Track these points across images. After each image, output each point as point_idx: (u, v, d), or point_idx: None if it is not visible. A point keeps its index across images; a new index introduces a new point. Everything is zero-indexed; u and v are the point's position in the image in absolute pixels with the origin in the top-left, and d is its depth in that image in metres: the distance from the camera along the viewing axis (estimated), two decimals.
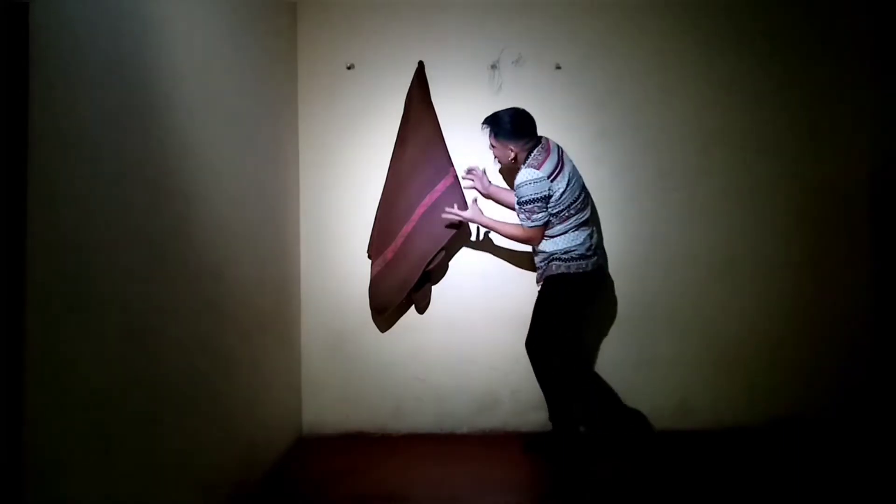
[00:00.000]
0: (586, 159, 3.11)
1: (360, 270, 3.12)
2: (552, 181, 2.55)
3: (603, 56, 3.14)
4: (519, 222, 2.70)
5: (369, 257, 3.10)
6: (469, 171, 2.97)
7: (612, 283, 3.14)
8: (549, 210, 2.61)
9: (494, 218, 2.82)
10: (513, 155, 2.65)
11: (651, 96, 3.14)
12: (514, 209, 2.78)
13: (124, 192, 1.58)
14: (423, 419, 3.15)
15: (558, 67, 3.13)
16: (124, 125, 1.58)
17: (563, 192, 2.57)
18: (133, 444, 1.60)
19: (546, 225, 2.65)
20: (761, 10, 3.14)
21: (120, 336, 1.54)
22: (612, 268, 3.14)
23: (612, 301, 3.14)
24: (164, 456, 1.76)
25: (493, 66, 3.14)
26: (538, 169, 2.55)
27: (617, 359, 3.14)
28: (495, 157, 2.77)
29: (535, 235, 2.67)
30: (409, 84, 3.06)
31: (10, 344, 1.21)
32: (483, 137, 3.05)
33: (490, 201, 3.04)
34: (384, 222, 3.01)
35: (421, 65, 3.07)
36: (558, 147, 2.69)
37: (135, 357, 1.61)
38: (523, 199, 2.59)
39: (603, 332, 3.15)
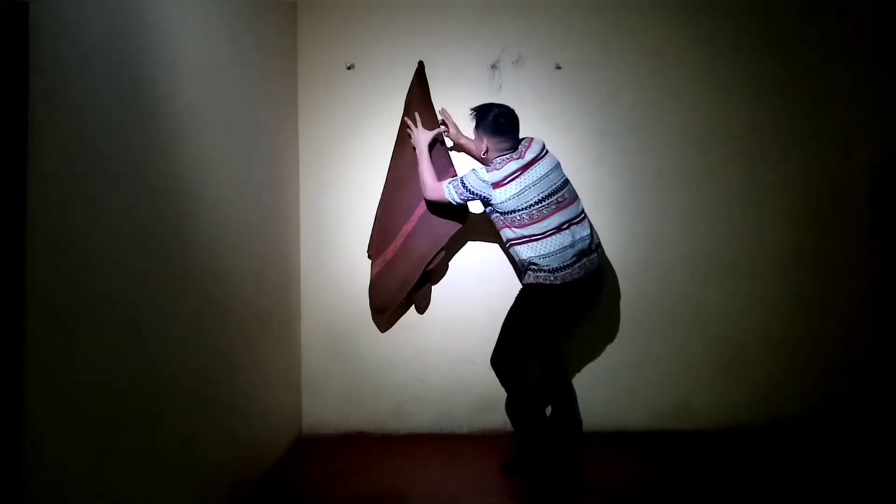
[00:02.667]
0: (586, 159, 3.12)
1: (360, 270, 3.12)
2: (497, 188, 2.49)
3: (603, 56, 3.14)
4: (441, 180, 2.75)
5: (369, 257, 3.10)
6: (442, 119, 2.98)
7: (611, 283, 3.14)
8: (490, 206, 2.58)
9: (427, 158, 2.78)
10: (485, 149, 2.60)
11: (651, 96, 3.14)
12: (478, 160, 2.80)
13: (124, 192, 1.58)
14: (423, 419, 3.15)
15: (558, 67, 3.13)
16: (124, 125, 1.58)
17: (508, 200, 2.49)
18: (133, 444, 1.60)
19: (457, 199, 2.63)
20: (761, 9, 3.14)
21: (120, 336, 1.54)
22: (613, 267, 3.14)
23: (612, 301, 3.15)
24: (164, 456, 1.76)
25: (493, 66, 3.14)
26: (488, 173, 2.52)
27: (617, 359, 3.14)
28: (472, 141, 2.73)
29: (441, 197, 2.67)
30: (409, 84, 3.06)
31: (10, 344, 1.21)
32: None
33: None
34: (384, 222, 3.01)
35: (421, 65, 3.07)
36: (538, 155, 2.55)
37: (135, 357, 1.61)
38: (463, 179, 2.57)
39: (603, 333, 3.15)
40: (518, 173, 2.49)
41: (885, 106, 3.05)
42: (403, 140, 3.01)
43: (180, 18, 1.90)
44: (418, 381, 3.15)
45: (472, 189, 2.56)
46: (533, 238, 2.51)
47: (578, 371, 3.14)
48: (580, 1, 3.14)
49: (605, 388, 3.13)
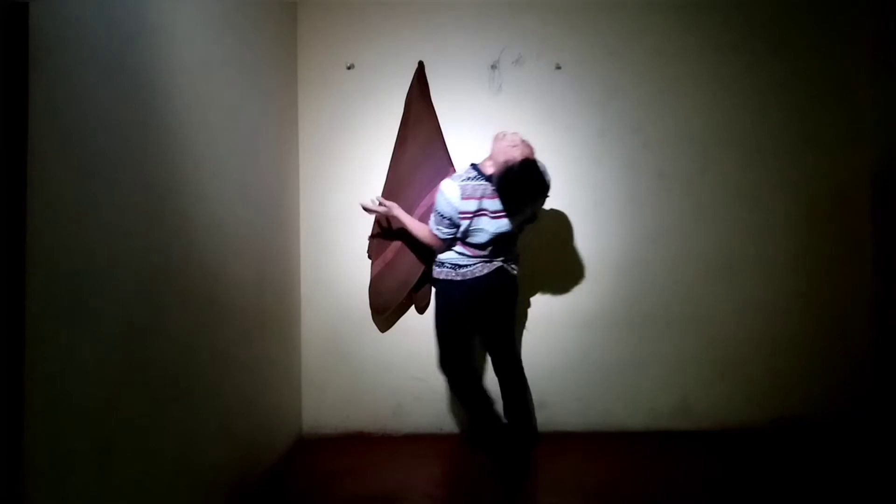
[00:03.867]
0: (586, 159, 3.12)
1: (360, 270, 3.12)
2: (460, 213, 2.51)
3: (603, 56, 3.14)
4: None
5: (369, 257, 3.10)
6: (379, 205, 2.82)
7: (612, 283, 3.14)
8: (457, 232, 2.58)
9: (409, 220, 2.75)
10: (491, 173, 2.54)
11: (651, 96, 3.14)
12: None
13: (124, 192, 1.58)
14: (423, 419, 3.15)
15: (558, 67, 3.13)
16: (124, 125, 1.58)
17: (464, 229, 2.54)
18: (133, 444, 1.60)
19: (446, 242, 2.62)
20: (761, 9, 3.13)
21: (120, 336, 1.54)
22: (613, 267, 3.14)
23: (612, 301, 3.15)
24: (164, 456, 1.76)
25: (493, 66, 3.14)
26: (454, 195, 2.50)
27: (617, 359, 3.14)
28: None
29: (437, 244, 2.64)
30: (409, 84, 3.06)
31: (10, 344, 1.21)
32: (483, 140, 3.09)
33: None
34: (384, 222, 3.01)
35: (421, 65, 3.07)
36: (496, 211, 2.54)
37: (134, 357, 1.61)
38: (436, 208, 2.58)
39: (603, 332, 3.15)
40: (474, 214, 2.52)
41: (885, 106, 3.05)
42: (404, 140, 3.01)
43: (180, 18, 1.90)
44: (418, 381, 3.15)
45: (443, 213, 2.54)
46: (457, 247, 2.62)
47: (578, 371, 3.14)
48: (580, 1, 3.14)
49: (605, 388, 3.13)
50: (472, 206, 2.51)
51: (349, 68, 3.15)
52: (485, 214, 2.53)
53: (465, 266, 2.61)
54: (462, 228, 2.55)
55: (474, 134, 3.11)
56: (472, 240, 2.57)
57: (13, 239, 1.21)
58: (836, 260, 3.14)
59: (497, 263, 2.63)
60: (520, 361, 2.84)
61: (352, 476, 2.63)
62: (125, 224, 1.58)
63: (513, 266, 2.71)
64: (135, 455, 1.61)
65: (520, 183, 2.45)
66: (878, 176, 3.09)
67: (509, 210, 2.53)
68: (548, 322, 3.14)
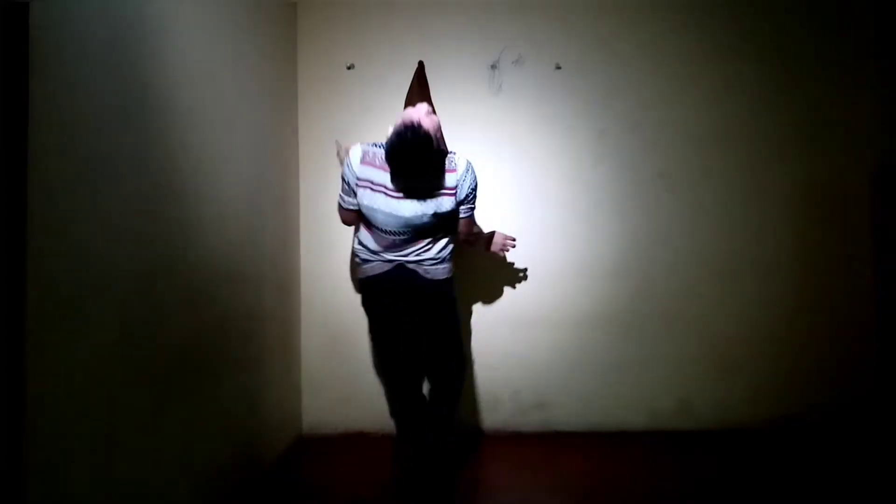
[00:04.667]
0: (586, 159, 3.12)
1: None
2: (358, 179, 2.34)
3: (603, 56, 3.14)
4: None
5: None
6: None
7: (612, 283, 3.14)
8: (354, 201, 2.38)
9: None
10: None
11: (651, 96, 3.14)
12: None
13: (124, 192, 1.58)
14: None
15: (558, 67, 3.13)
16: (124, 125, 1.59)
17: (363, 205, 2.37)
18: (133, 443, 1.60)
19: (350, 214, 2.45)
20: (762, 9, 3.14)
21: (120, 336, 1.54)
22: (613, 267, 3.14)
23: (612, 301, 3.14)
24: (164, 456, 1.76)
25: (493, 66, 3.14)
26: (355, 157, 2.34)
27: (617, 359, 3.14)
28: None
29: (343, 216, 2.49)
30: (409, 84, 3.06)
31: (11, 344, 1.21)
32: (483, 140, 3.09)
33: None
34: None
35: (421, 65, 3.06)
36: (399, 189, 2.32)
37: (134, 357, 1.61)
38: (341, 175, 2.42)
39: (603, 332, 3.15)
40: (371, 183, 2.35)
41: (885, 106, 3.05)
42: None
43: (180, 18, 1.90)
44: None
45: (342, 175, 2.40)
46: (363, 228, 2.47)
47: (578, 371, 3.14)
48: (580, 1, 3.14)
49: (605, 388, 3.13)
50: (371, 174, 2.32)
51: (349, 68, 3.15)
52: (381, 191, 2.32)
53: (369, 262, 2.46)
54: (359, 200, 2.36)
55: (474, 134, 3.11)
56: (372, 222, 2.38)
57: (13, 239, 1.22)
58: (837, 260, 3.14)
59: (398, 260, 2.41)
60: (455, 377, 2.58)
61: (352, 476, 2.63)
62: (125, 224, 1.58)
63: (427, 269, 2.41)
64: (135, 455, 1.61)
65: (399, 144, 2.20)
66: (879, 176, 3.09)
67: (395, 181, 2.29)
68: (548, 322, 3.14)
